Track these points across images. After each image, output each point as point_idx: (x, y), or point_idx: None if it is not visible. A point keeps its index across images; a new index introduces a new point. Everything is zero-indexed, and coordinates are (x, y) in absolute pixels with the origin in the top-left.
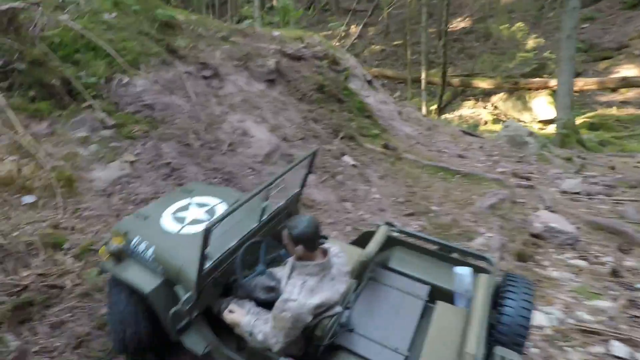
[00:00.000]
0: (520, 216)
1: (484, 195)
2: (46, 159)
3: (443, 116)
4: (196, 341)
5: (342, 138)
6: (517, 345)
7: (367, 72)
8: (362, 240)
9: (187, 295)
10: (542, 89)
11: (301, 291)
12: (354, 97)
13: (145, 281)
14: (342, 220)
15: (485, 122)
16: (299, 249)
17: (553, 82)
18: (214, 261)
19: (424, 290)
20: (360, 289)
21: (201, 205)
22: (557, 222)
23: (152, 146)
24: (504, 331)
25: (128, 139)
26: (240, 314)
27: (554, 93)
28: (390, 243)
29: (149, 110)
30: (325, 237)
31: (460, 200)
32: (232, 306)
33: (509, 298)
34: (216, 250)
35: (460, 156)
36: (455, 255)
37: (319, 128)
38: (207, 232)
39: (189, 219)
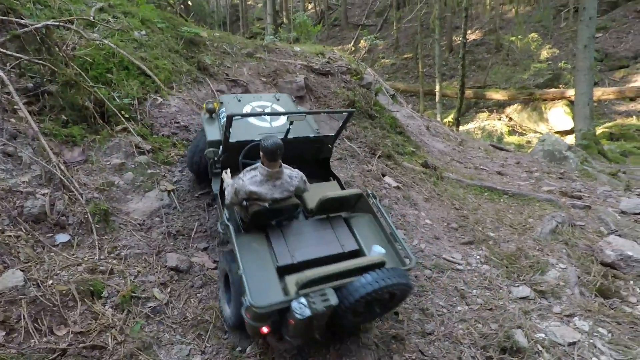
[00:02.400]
0: (585, 241)
1: (541, 218)
2: (81, 190)
3: (461, 128)
4: (215, 184)
5: (379, 157)
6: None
7: (389, 88)
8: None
9: (220, 152)
10: (558, 99)
11: (249, 179)
12: (384, 112)
13: (211, 134)
14: None
15: (501, 134)
16: (262, 156)
17: (570, 92)
18: (237, 140)
19: (350, 247)
20: (312, 215)
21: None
22: (631, 249)
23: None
24: None
25: (165, 165)
26: (228, 177)
27: (570, 103)
28: (364, 208)
29: (185, 132)
30: (336, 177)
31: (517, 224)
32: (228, 172)
33: None
34: (242, 135)
35: (500, 173)
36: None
37: (355, 147)
38: (229, 119)
39: (269, 119)
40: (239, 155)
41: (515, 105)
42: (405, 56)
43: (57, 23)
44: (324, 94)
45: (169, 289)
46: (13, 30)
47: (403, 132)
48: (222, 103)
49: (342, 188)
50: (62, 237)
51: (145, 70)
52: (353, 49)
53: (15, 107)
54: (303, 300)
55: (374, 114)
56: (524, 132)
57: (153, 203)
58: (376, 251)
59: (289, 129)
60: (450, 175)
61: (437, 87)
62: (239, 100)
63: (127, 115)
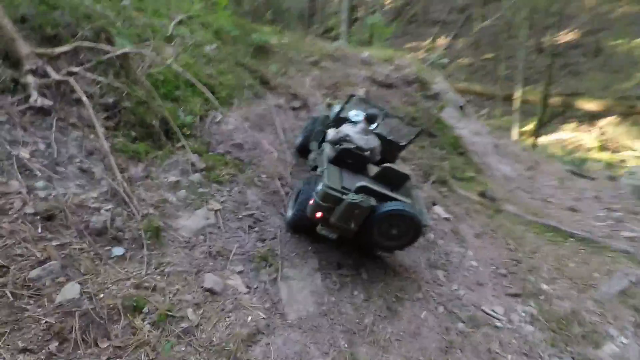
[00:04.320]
0: None
1: (611, 274)
2: (139, 206)
3: (539, 139)
4: (313, 147)
5: (433, 182)
6: None
7: (460, 97)
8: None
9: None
10: None
11: (349, 127)
12: (447, 130)
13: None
14: (432, 296)
15: (589, 149)
16: (364, 118)
17: None
18: (344, 117)
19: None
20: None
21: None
22: None
23: (238, 192)
24: None
25: (216, 184)
26: (332, 130)
27: None
28: (407, 193)
29: (238, 151)
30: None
31: (578, 277)
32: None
33: None
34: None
35: (572, 209)
36: None
37: (408, 169)
38: (350, 97)
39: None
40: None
41: (612, 117)
42: (486, 57)
43: (135, 50)
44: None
45: (201, 310)
46: (99, 56)
47: (465, 153)
48: (337, 103)
49: None
50: (117, 251)
51: (205, 91)
52: (429, 47)
53: (95, 124)
54: (355, 195)
55: (435, 132)
56: (619, 149)
57: (200, 221)
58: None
59: (377, 125)
60: (509, 209)
61: (518, 92)
62: (346, 103)
63: (188, 132)
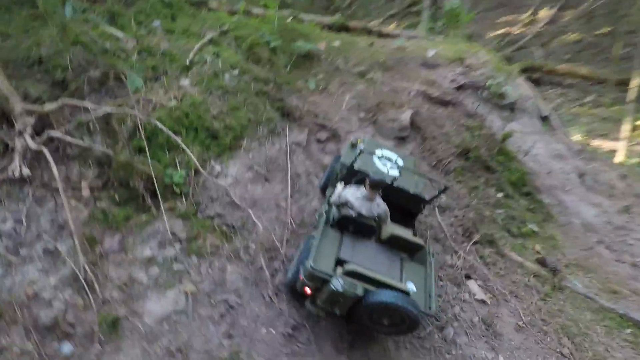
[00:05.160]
0: None
1: None
2: (103, 289)
3: None
4: (329, 190)
5: (475, 243)
6: None
7: (545, 106)
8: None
9: (345, 171)
10: None
11: (351, 191)
12: (510, 163)
13: (345, 158)
14: None
15: None
16: (367, 184)
17: None
18: (358, 168)
19: (392, 277)
20: (380, 242)
21: (389, 158)
22: None
23: (218, 269)
24: None
25: (196, 257)
26: (340, 186)
27: None
28: (421, 260)
29: (232, 211)
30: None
31: None
32: (342, 183)
33: None
34: (363, 166)
35: None
36: None
37: (444, 225)
38: (359, 152)
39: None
40: (354, 177)
41: None
42: (599, 32)
43: (118, 110)
44: (434, 134)
45: None
46: (79, 118)
47: (532, 194)
48: (362, 141)
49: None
50: (66, 348)
51: (185, 149)
52: (527, 21)
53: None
54: (341, 280)
55: (494, 167)
56: None
57: (168, 306)
58: (408, 285)
59: (395, 178)
60: (577, 286)
61: (637, 78)
62: (375, 145)
63: (178, 191)
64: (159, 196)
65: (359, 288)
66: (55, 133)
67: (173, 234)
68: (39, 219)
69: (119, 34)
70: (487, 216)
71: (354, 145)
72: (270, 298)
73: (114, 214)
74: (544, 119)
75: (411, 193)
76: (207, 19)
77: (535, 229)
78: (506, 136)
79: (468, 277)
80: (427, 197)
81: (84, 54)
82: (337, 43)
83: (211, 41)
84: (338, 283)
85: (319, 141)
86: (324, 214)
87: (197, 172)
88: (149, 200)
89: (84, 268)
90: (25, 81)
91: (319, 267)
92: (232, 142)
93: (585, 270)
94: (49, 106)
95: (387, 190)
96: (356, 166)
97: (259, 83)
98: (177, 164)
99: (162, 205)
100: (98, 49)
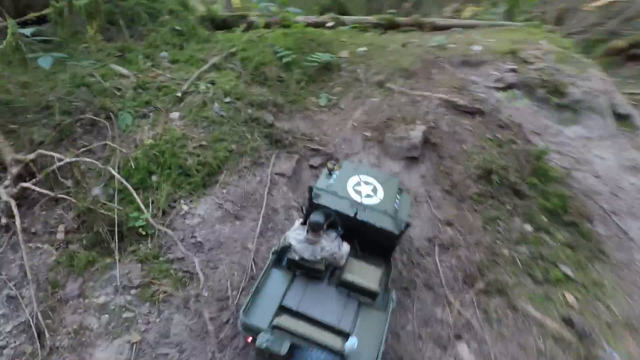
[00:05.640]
0: None
1: None
2: (54, 336)
3: None
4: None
5: (480, 292)
6: None
7: (626, 102)
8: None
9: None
10: None
11: (294, 233)
12: (548, 186)
13: (319, 183)
14: None
15: None
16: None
17: None
18: (318, 203)
19: (344, 326)
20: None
21: (367, 183)
22: None
23: (165, 319)
24: None
25: (148, 304)
26: (295, 224)
27: None
28: (382, 307)
29: (196, 253)
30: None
31: None
32: (299, 221)
33: None
34: (327, 200)
35: None
36: None
37: (439, 268)
38: (310, 189)
39: (364, 194)
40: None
41: None
42: None
43: (85, 160)
44: (451, 152)
45: None
46: (45, 170)
47: (578, 223)
48: (341, 167)
49: (387, 278)
50: None
51: (136, 197)
52: None
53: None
54: (269, 336)
55: (525, 191)
56: None
57: (112, 356)
58: (349, 343)
59: (357, 211)
60: (614, 358)
61: None
62: (354, 170)
63: (144, 233)
64: (124, 239)
65: (284, 346)
66: (26, 184)
67: (129, 279)
68: (9, 265)
69: (124, 70)
70: (503, 256)
71: (330, 171)
72: (213, 354)
73: (79, 257)
74: (624, 118)
75: (377, 227)
76: (219, 42)
77: (570, 272)
78: (541, 154)
79: (459, 337)
80: (396, 231)
81: (86, 95)
82: (362, 49)
83: (214, 66)
84: (263, 339)
85: (312, 167)
86: (273, 253)
87: (165, 212)
88: (113, 244)
89: (37, 315)
90: (33, 127)
91: (249, 319)
92: (205, 178)
93: (636, 334)
94: (30, 156)
95: (352, 223)
96: (317, 199)
97: (253, 108)
98: (150, 204)
99: (124, 250)
100: (98, 89)
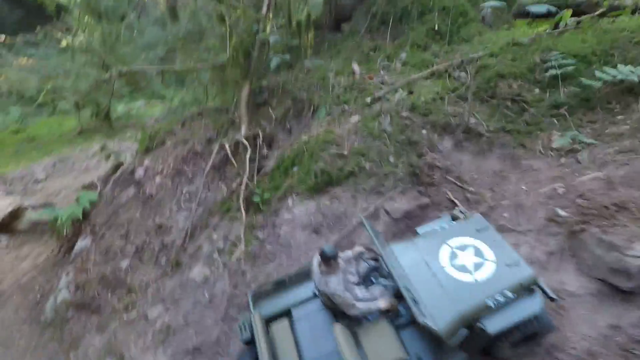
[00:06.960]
0: None
1: None
2: None
3: None
4: None
5: None
6: None
7: None
8: None
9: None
10: None
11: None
12: None
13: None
14: None
15: None
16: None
17: None
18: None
19: None
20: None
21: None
22: None
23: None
24: None
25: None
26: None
27: None
28: None
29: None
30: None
31: None
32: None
33: None
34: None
35: None
36: None
37: None
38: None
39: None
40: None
41: None
42: None
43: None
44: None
45: None
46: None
47: None
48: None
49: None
50: None
51: None
52: None
53: None
54: None
55: None
56: None
57: None
58: None
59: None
60: None
61: None
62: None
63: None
64: (249, 208)
65: None
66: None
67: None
68: None
69: (356, 68)
70: None
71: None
72: None
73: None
74: None
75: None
76: (483, 41)
77: None
78: None
79: None
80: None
81: (312, 87)
82: None
83: (433, 74)
84: None
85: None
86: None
87: (279, 199)
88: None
89: None
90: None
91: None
92: (320, 185)
93: None
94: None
95: None
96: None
97: (424, 130)
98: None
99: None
100: (324, 84)
